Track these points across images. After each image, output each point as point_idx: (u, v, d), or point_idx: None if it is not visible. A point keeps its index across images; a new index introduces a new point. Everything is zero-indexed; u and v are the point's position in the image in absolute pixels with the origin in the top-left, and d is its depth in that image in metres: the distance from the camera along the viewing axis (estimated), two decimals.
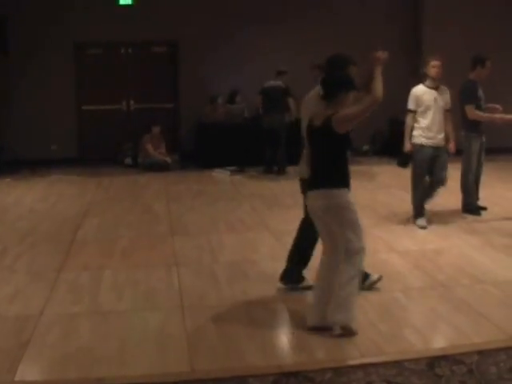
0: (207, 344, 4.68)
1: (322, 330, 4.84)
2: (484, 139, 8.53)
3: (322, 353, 4.54)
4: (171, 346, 4.65)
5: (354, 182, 11.61)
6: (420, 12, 14.56)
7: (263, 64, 13.23)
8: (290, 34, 13.77)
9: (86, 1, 13.01)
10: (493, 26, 14.17)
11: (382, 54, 5.21)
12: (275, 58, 13.31)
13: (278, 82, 12.13)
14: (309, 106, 5.52)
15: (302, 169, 5.61)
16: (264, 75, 12.50)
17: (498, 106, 8.54)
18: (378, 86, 4.91)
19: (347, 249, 4.86)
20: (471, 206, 8.66)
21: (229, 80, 13.44)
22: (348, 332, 4.75)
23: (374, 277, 5.78)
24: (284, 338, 5.02)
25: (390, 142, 14.26)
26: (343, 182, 5.08)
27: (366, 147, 14.44)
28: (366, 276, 5.67)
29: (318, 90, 5.44)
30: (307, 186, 5.16)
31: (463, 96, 8.44)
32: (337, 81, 5.05)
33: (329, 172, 5.01)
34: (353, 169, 13.09)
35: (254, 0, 13.65)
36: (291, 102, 12.01)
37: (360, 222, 5.04)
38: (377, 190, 10.63)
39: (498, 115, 8.43)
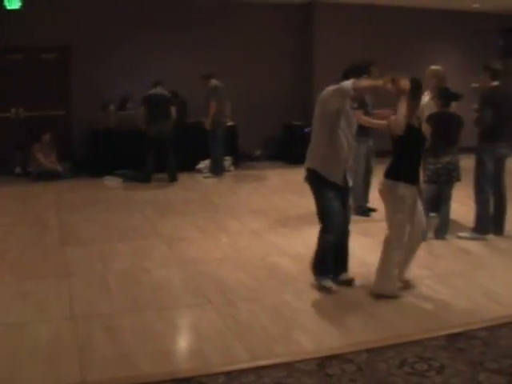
0: (99, 353, 4.61)
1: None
2: (371, 143, 8.76)
3: (214, 358, 4.54)
4: (62, 358, 4.56)
5: (247, 187, 11.80)
6: (311, 26, 14.90)
7: (155, 71, 13.21)
8: (181, 42, 13.79)
9: None
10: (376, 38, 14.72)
11: (406, 85, 5.53)
12: (167, 64, 13.33)
13: (163, 91, 12.21)
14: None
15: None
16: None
17: (386, 111, 8.72)
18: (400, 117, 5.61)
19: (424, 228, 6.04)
20: (361, 208, 8.88)
21: (121, 86, 13.32)
22: None
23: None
24: (176, 344, 5.01)
25: (283, 147, 14.48)
26: None
27: (258, 152, 14.58)
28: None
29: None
30: (402, 178, 5.75)
31: None
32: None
33: (418, 168, 5.92)
34: (246, 173, 13.32)
35: (148, 7, 13.59)
36: (173, 110, 12.13)
37: None
38: (269, 195, 10.74)
39: (382, 121, 8.66)
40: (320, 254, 5.92)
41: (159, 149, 12.08)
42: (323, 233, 5.86)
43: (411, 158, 5.78)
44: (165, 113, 12.06)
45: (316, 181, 5.82)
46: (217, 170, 12.62)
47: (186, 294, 5.91)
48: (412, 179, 5.75)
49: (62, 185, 11.90)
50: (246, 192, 11.21)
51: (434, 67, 8.73)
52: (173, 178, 12.20)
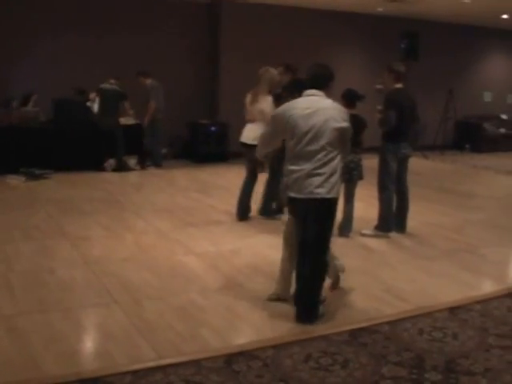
0: (2, 356, 4.50)
1: None
2: None
3: (121, 357, 4.51)
4: None
5: (153, 186, 11.69)
6: (217, 25, 15.00)
7: (58, 67, 13.05)
8: (85, 40, 13.60)
9: None
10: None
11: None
12: (71, 62, 13.17)
13: (114, 86, 12.52)
14: None
15: None
16: (59, 78, 12.45)
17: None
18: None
19: None
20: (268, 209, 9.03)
21: (23, 83, 13.04)
22: None
23: None
24: (82, 344, 4.93)
25: (188, 146, 14.52)
26: None
27: (164, 150, 14.52)
28: None
29: None
30: None
31: None
32: None
33: None
34: (151, 172, 13.23)
35: (53, 4, 13.33)
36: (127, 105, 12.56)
37: None
38: (175, 194, 10.71)
39: None
40: None
41: (110, 141, 12.70)
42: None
43: None
44: (114, 107, 12.63)
45: None
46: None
47: (92, 294, 5.82)
48: None
49: None
50: (153, 191, 11.14)
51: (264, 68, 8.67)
52: (119, 168, 12.81)
